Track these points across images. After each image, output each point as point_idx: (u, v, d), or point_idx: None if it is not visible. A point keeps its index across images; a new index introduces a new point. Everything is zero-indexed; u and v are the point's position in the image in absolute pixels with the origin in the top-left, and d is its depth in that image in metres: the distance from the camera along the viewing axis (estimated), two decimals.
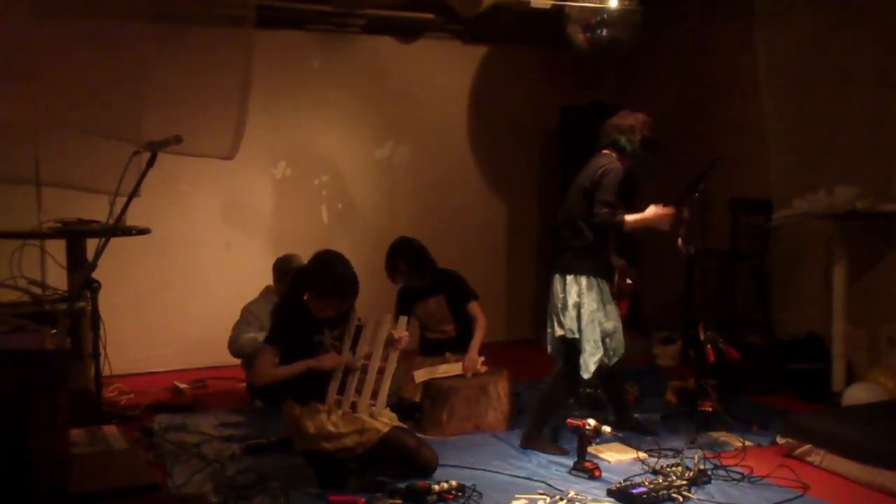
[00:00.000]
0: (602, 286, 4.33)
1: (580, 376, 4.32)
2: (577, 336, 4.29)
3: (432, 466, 3.95)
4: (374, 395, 4.01)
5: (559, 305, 4.34)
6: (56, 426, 2.94)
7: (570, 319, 4.29)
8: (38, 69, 4.66)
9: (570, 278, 4.32)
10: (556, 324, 4.36)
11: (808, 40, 5.12)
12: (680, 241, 4.65)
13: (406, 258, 5.05)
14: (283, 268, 5.27)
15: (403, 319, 4.15)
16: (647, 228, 4.42)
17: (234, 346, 5.23)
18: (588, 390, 5.14)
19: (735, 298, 6.08)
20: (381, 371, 4.01)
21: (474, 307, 5.10)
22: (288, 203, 6.69)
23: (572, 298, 4.29)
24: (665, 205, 4.38)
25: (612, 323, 4.34)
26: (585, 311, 4.28)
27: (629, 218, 4.28)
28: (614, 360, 4.40)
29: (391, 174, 7.04)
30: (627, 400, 4.90)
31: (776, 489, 3.85)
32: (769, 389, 5.44)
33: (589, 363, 4.27)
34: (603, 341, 4.31)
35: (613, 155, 4.38)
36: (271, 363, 3.86)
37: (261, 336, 5.02)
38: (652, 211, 4.35)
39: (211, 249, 6.43)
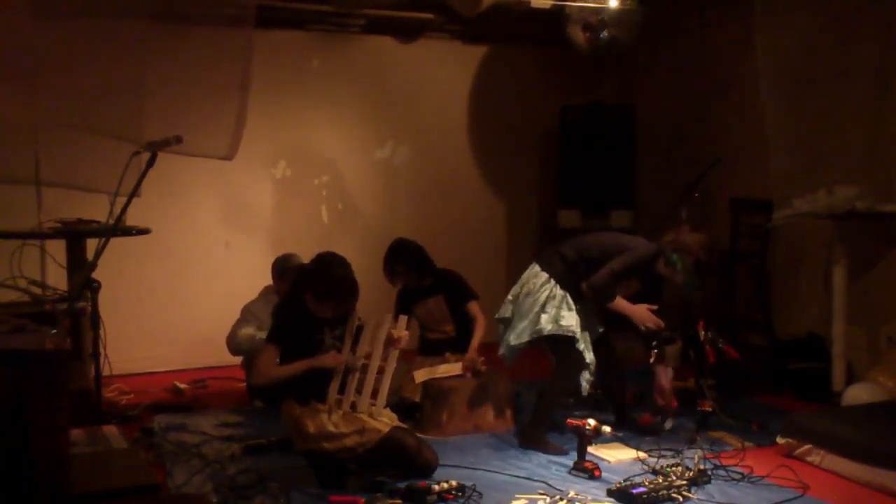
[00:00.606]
0: (568, 299, 4.40)
1: (577, 376, 4.41)
2: (507, 316, 4.52)
3: (432, 466, 3.95)
4: (374, 394, 4.01)
5: (515, 287, 4.56)
6: (56, 426, 2.94)
7: (506, 304, 4.55)
8: (38, 69, 4.65)
9: (537, 269, 4.51)
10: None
11: (808, 40, 5.12)
12: (653, 355, 4.72)
13: (403, 260, 5.05)
14: (283, 267, 5.27)
15: (403, 319, 4.15)
16: (624, 315, 4.50)
17: (232, 343, 5.22)
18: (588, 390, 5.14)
19: (735, 298, 6.08)
20: (380, 371, 4.01)
21: (474, 307, 5.10)
22: (288, 203, 6.69)
23: (527, 287, 4.48)
24: (654, 312, 4.50)
25: (549, 327, 4.35)
26: (528, 301, 4.43)
27: (620, 300, 4.42)
28: (589, 380, 4.52)
29: (391, 174, 7.04)
30: (627, 400, 4.90)
31: (776, 489, 3.85)
32: (769, 389, 5.44)
33: (506, 344, 4.46)
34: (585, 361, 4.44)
35: (661, 260, 4.47)
36: (272, 362, 3.86)
37: (259, 333, 5.04)
38: (639, 310, 4.47)
39: (211, 249, 6.43)
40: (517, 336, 4.43)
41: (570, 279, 4.44)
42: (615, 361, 4.72)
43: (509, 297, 4.58)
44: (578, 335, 4.38)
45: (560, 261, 4.49)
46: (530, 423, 4.51)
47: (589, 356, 4.44)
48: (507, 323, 4.54)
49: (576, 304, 4.42)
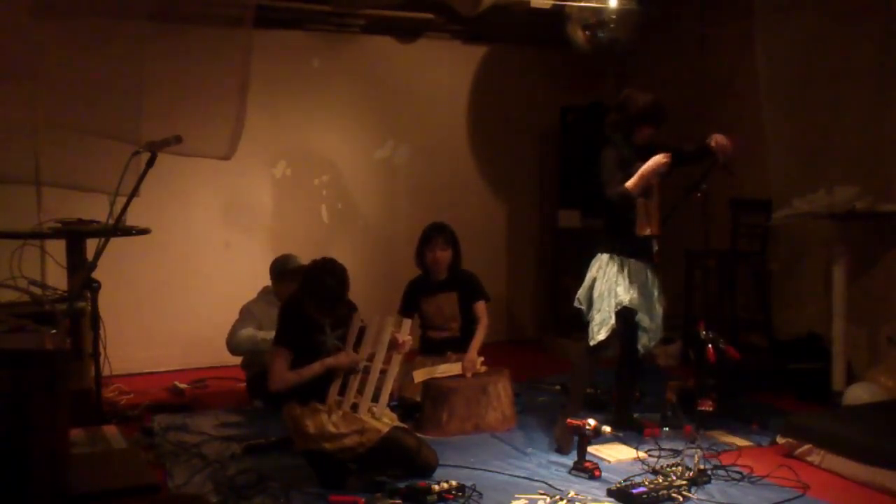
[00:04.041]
0: (626, 263, 4.40)
1: (596, 349, 4.41)
2: (582, 307, 4.48)
3: (432, 466, 3.95)
4: (376, 398, 4.00)
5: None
6: (56, 426, 2.94)
7: (582, 290, 4.50)
8: (37, 69, 4.66)
9: (597, 256, 4.51)
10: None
11: (808, 40, 5.12)
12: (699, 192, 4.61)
13: (453, 233, 5.14)
14: (281, 269, 5.26)
15: (407, 323, 4.15)
16: (650, 182, 4.36)
17: (232, 343, 5.20)
18: (588, 390, 5.14)
19: (735, 298, 6.08)
20: (382, 373, 4.01)
21: (481, 307, 5.13)
22: (288, 203, 6.69)
23: (591, 273, 4.48)
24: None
25: (630, 297, 4.36)
26: (600, 284, 4.41)
27: (629, 183, 4.33)
28: (653, 342, 4.52)
29: (391, 174, 7.04)
30: (634, 397, 4.89)
31: (776, 489, 3.85)
32: (769, 389, 5.44)
33: (596, 332, 4.39)
34: (640, 322, 4.42)
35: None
36: (286, 367, 3.87)
37: (259, 333, 5.05)
38: (648, 163, 4.32)
39: (211, 249, 6.43)
40: (606, 317, 4.40)
41: (617, 243, 4.44)
42: (635, 357, 4.63)
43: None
44: (586, 307, 4.43)
45: (604, 236, 4.52)
46: (571, 403, 4.51)
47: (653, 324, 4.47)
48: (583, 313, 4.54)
49: (641, 259, 4.42)
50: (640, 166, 4.36)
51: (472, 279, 5.20)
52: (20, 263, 3.99)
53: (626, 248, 4.42)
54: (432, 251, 5.08)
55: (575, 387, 4.59)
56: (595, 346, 4.41)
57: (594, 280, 4.45)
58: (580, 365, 4.56)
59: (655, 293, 4.51)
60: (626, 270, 4.41)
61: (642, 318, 4.46)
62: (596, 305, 4.42)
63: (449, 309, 5.13)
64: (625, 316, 4.42)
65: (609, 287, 4.39)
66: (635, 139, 4.48)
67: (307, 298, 3.95)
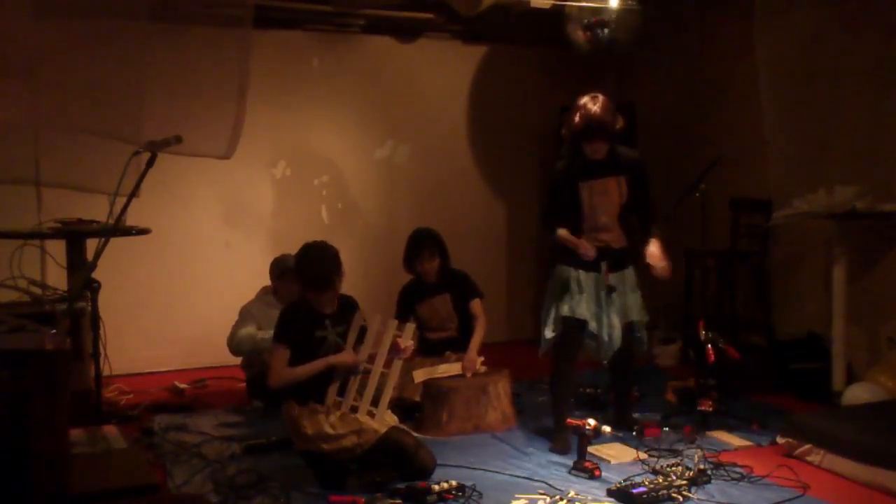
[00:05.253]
0: (565, 272, 4.36)
1: (562, 362, 4.43)
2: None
3: (429, 468, 3.94)
4: (375, 401, 3.99)
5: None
6: (56, 426, 2.94)
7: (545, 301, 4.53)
8: (38, 69, 4.65)
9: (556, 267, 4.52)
10: None
11: (808, 40, 5.12)
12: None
13: (439, 239, 5.10)
14: (282, 268, 5.26)
15: (410, 327, 4.12)
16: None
17: (232, 344, 5.22)
18: (588, 390, 5.14)
19: (735, 298, 6.08)
20: (382, 376, 4.00)
21: (477, 305, 5.13)
22: (288, 203, 6.69)
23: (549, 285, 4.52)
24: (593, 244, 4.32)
25: (569, 308, 4.31)
26: (549, 296, 4.45)
27: (560, 233, 4.37)
28: (609, 353, 4.40)
29: (391, 174, 7.04)
30: (631, 399, 4.88)
31: (776, 489, 3.85)
32: (769, 389, 5.44)
33: (542, 343, 4.46)
34: (597, 334, 4.37)
35: None
36: (285, 364, 3.88)
37: (259, 333, 5.05)
38: (579, 242, 4.30)
39: (211, 249, 6.43)
40: (543, 328, 4.46)
41: (562, 254, 4.43)
42: (628, 357, 4.59)
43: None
44: (543, 318, 4.44)
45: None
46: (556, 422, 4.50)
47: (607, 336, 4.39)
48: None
49: (589, 270, 4.35)
50: (591, 185, 4.29)
51: (464, 278, 5.20)
52: (20, 263, 3.99)
53: (576, 260, 4.35)
54: (420, 263, 5.09)
55: (553, 393, 4.57)
56: (547, 353, 4.45)
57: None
58: (552, 372, 4.55)
59: (613, 306, 4.37)
60: (573, 281, 4.35)
61: (597, 329, 4.38)
62: (542, 317, 4.46)
63: (444, 310, 5.13)
64: (576, 326, 4.36)
65: (554, 300, 4.40)
66: (585, 152, 4.30)
67: (301, 283, 3.99)
